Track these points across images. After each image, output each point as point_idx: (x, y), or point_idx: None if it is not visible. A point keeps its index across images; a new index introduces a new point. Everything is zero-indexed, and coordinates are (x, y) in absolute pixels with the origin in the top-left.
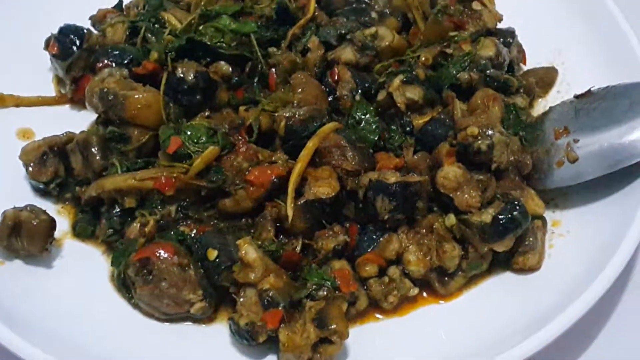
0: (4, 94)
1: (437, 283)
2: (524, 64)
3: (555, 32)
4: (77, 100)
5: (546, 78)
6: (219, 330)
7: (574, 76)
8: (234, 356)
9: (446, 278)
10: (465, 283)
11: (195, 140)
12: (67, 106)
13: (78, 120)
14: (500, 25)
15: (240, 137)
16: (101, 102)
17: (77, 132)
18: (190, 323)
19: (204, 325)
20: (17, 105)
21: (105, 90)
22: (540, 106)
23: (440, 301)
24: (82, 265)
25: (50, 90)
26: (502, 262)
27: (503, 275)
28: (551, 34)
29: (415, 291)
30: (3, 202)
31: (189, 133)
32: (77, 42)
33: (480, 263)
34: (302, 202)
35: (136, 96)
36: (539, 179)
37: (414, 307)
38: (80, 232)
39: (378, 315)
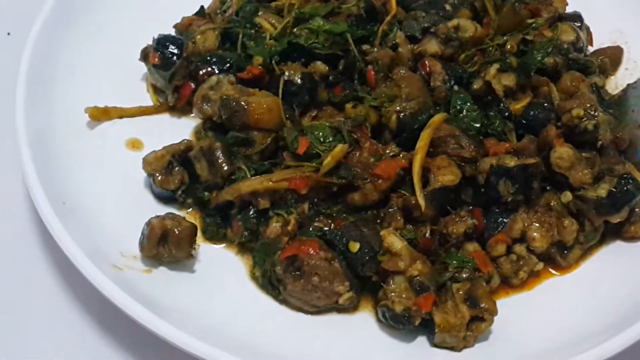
0: (108, 106)
1: (558, 256)
2: (591, 45)
3: (614, 13)
4: (177, 108)
5: (614, 57)
6: (365, 318)
7: (638, 54)
8: (387, 342)
9: (565, 251)
10: (582, 254)
11: (322, 140)
12: (166, 114)
13: (180, 128)
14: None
15: (362, 134)
16: (223, 109)
17: (181, 137)
18: (336, 313)
19: (348, 314)
20: (121, 117)
21: (225, 97)
22: (612, 84)
23: (556, 273)
24: (220, 266)
25: (147, 100)
26: (613, 232)
27: (614, 245)
28: (610, 15)
29: (540, 266)
30: (132, 212)
31: (314, 133)
32: (177, 52)
33: (595, 235)
34: (429, 190)
35: (259, 101)
36: (634, 153)
37: (539, 281)
38: (211, 235)
39: (507, 291)
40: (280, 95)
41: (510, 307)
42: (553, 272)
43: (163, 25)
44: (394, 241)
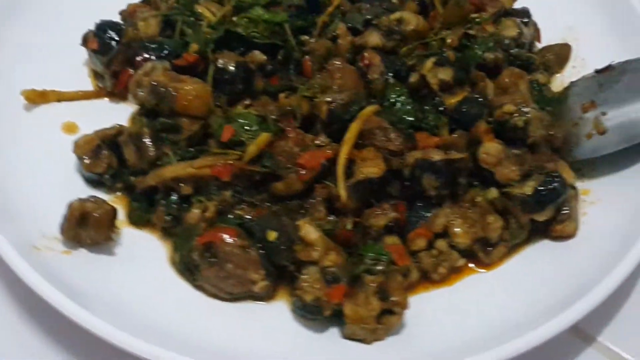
0: (46, 89)
1: (481, 253)
2: (539, 42)
3: (565, 9)
4: (116, 94)
5: (561, 54)
6: (280, 307)
7: (587, 51)
8: (296, 330)
9: (489, 248)
10: (506, 252)
11: (247, 128)
12: (105, 99)
13: (118, 113)
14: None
15: (288, 123)
16: (152, 95)
17: (118, 123)
18: (252, 301)
19: (264, 303)
20: (59, 100)
21: (155, 84)
22: (558, 81)
23: (481, 270)
24: (142, 251)
25: (88, 85)
26: (541, 230)
27: (541, 243)
28: (562, 11)
29: (462, 262)
30: (59, 194)
31: (240, 121)
32: (116, 37)
33: (520, 232)
34: (352, 182)
35: (187, 88)
36: (568, 151)
37: (460, 277)
38: (136, 219)
39: (427, 286)
40: (209, 83)
41: (428, 302)
42: (477, 268)
43: (110, 12)
44: (309, 231)
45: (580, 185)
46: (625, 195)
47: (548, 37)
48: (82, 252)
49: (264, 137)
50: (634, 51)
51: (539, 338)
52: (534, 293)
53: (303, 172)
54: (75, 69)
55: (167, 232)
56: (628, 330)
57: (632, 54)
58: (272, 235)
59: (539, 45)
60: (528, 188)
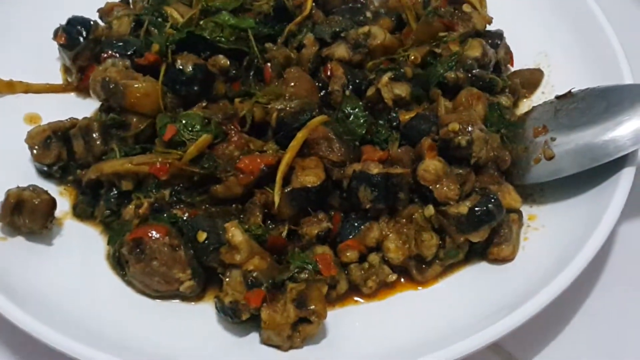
0: (13, 80)
1: (414, 270)
2: (512, 65)
3: (542, 36)
4: (82, 89)
5: (532, 79)
6: (206, 309)
7: (558, 78)
8: (220, 332)
9: (424, 266)
10: (442, 271)
11: (190, 129)
12: (73, 94)
13: (83, 108)
14: (490, 28)
15: (232, 127)
16: (103, 91)
17: (82, 118)
18: (179, 301)
19: (192, 303)
20: (26, 92)
21: (107, 79)
22: (525, 106)
23: (419, 287)
24: (81, 243)
25: (58, 79)
26: (478, 253)
27: (478, 265)
28: (540, 37)
29: (393, 277)
30: (9, 182)
31: (184, 122)
32: (84, 33)
33: (456, 252)
34: (289, 189)
35: (135, 85)
36: (517, 175)
37: (393, 292)
38: (80, 212)
39: (358, 299)
40: (160, 82)
41: (354, 315)
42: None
43: (91, 9)
44: (235, 234)
45: (527, 210)
46: (568, 222)
47: (523, 62)
48: (19, 240)
49: (204, 138)
50: (603, 80)
51: (456, 353)
52: (462, 311)
53: (241, 176)
54: (47, 63)
55: (107, 227)
56: (557, 357)
57: (603, 82)
58: (202, 236)
59: (511, 69)
60: (463, 207)
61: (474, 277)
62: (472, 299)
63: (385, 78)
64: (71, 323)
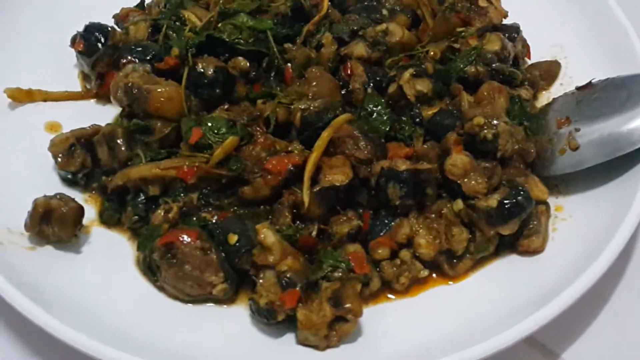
0: (32, 89)
1: (446, 265)
2: (529, 58)
3: (558, 28)
4: (102, 95)
5: (550, 71)
6: (240, 311)
7: (575, 70)
8: (255, 335)
9: (455, 260)
10: (472, 265)
11: (216, 131)
12: (92, 101)
13: (103, 114)
14: (505, 21)
15: (258, 128)
16: (126, 96)
17: (105, 125)
18: (213, 304)
19: (225, 306)
20: (45, 100)
21: (129, 84)
22: (544, 98)
23: (450, 282)
24: (109, 250)
25: (76, 86)
26: (508, 245)
27: (509, 258)
28: (554, 30)
29: (425, 273)
30: (34, 191)
31: (209, 124)
32: (102, 40)
33: (487, 246)
34: (317, 189)
35: (159, 90)
36: (542, 167)
37: (424, 288)
38: (107, 219)
39: (390, 296)
40: (183, 86)
41: (388, 312)
42: (443, 280)
43: (105, 15)
44: (267, 235)
45: (554, 201)
46: (595, 211)
47: (539, 54)
48: (48, 249)
49: (231, 140)
50: (621, 70)
51: (492, 347)
52: (495, 305)
53: (269, 177)
54: (65, 71)
55: (135, 233)
56: (592, 349)
57: (620, 73)
58: (233, 239)
59: (528, 62)
60: (493, 201)
61: (505, 270)
62: (504, 292)
63: (407, 74)
64: (104, 329)
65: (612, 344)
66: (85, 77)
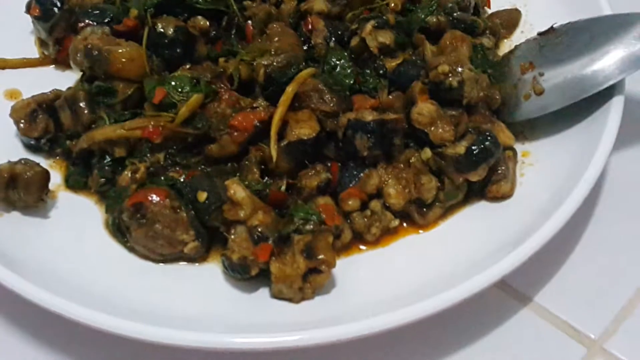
0: None
1: (416, 214)
2: (489, 7)
3: None
4: (60, 61)
5: (510, 19)
6: (212, 269)
7: (536, 17)
8: (229, 291)
9: (424, 209)
10: (443, 213)
11: (180, 90)
12: (51, 67)
13: (62, 80)
14: None
15: (222, 85)
16: (86, 59)
17: (66, 89)
18: (185, 263)
19: (197, 264)
20: (3, 68)
21: (89, 46)
22: (506, 46)
23: (420, 231)
24: (77, 214)
25: (34, 52)
26: (477, 192)
27: (478, 205)
28: None
29: (395, 222)
30: None
31: (172, 83)
32: (58, 4)
33: (456, 193)
34: (284, 143)
35: (120, 50)
36: (508, 113)
37: (395, 238)
38: (73, 183)
39: (362, 247)
40: (144, 44)
41: (361, 263)
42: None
43: None
44: (237, 190)
45: (520, 147)
46: (562, 155)
47: (498, 3)
48: (15, 215)
49: (196, 98)
50: (582, 15)
51: (464, 292)
52: (466, 251)
53: (236, 133)
54: (22, 37)
55: (102, 196)
56: (564, 291)
57: (581, 16)
58: (202, 196)
59: (489, 11)
60: (460, 148)
61: (475, 216)
62: (474, 239)
63: (369, 27)
64: (77, 291)
65: (582, 285)
66: (42, 43)
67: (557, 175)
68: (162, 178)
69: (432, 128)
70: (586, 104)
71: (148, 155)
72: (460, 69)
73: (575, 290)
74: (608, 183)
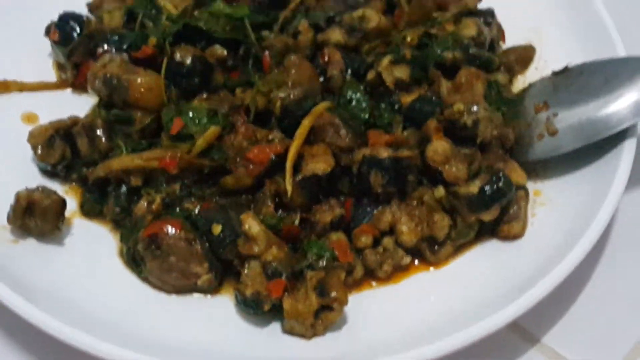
0: (7, 80)
1: (427, 252)
2: (503, 42)
3: (532, 11)
4: (78, 85)
5: (524, 55)
6: (225, 301)
7: (550, 54)
8: (240, 325)
9: (436, 247)
10: (454, 251)
11: (197, 121)
12: (68, 90)
13: (79, 104)
14: (480, 6)
15: (239, 117)
16: (105, 87)
17: (80, 115)
18: (197, 295)
19: (209, 296)
20: (21, 90)
21: (108, 75)
22: (520, 82)
23: (431, 268)
24: (92, 242)
25: (52, 76)
26: (489, 231)
27: (489, 243)
28: (528, 12)
29: (407, 259)
30: (13, 183)
31: (190, 114)
32: (77, 29)
33: (468, 232)
34: (299, 178)
35: (139, 80)
36: (521, 152)
37: (407, 274)
38: (88, 210)
39: (373, 283)
40: (163, 75)
41: (372, 300)
42: (425, 266)
43: (79, 3)
44: (252, 225)
45: (532, 186)
46: (574, 196)
47: (513, 38)
48: (31, 242)
49: (213, 130)
50: (595, 54)
51: (477, 333)
52: (477, 291)
53: (251, 166)
54: (40, 60)
55: (117, 224)
56: (571, 332)
57: (595, 55)
58: (217, 229)
59: (503, 46)
60: (474, 187)
61: (486, 255)
62: (485, 278)
63: (386, 61)
64: (90, 321)
65: (591, 327)
66: (60, 67)
67: (568, 216)
68: (177, 209)
69: (447, 166)
70: (599, 145)
71: (164, 185)
72: (475, 108)
73: (584, 331)
74: (618, 223)
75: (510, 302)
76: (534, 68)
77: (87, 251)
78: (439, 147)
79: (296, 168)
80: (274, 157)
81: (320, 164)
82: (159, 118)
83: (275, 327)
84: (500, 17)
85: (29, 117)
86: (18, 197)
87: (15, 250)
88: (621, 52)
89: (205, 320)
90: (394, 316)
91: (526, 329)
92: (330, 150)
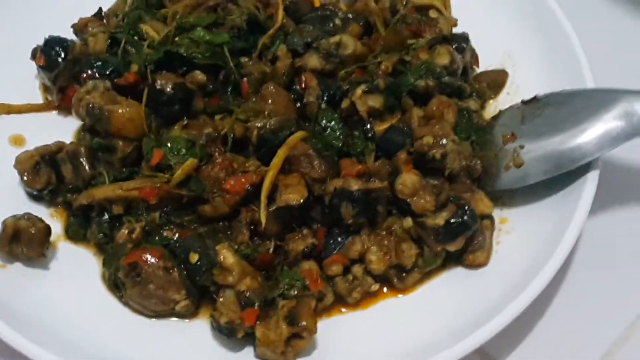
0: None
1: (395, 279)
2: (477, 66)
3: (504, 35)
4: (63, 107)
5: (497, 80)
6: (201, 325)
7: (522, 78)
8: (215, 348)
9: (404, 274)
10: (421, 278)
11: (176, 152)
12: (54, 112)
13: (65, 125)
14: (455, 30)
15: (216, 149)
16: (88, 116)
17: (65, 136)
18: (176, 319)
19: (187, 320)
20: (8, 113)
21: (90, 105)
22: (492, 107)
23: (399, 295)
24: (75, 266)
25: (38, 98)
26: (455, 259)
27: (456, 270)
28: (501, 37)
29: (376, 287)
30: (1, 204)
31: (169, 145)
32: (62, 54)
33: (434, 260)
34: (273, 208)
35: (120, 111)
36: (488, 182)
37: (375, 301)
38: (72, 235)
39: (343, 309)
40: (143, 104)
41: (342, 325)
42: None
43: (63, 25)
44: (227, 256)
45: (498, 213)
46: (538, 224)
47: (486, 61)
48: (17, 267)
49: (190, 162)
50: (567, 79)
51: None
52: (444, 317)
53: (228, 196)
54: (26, 82)
55: (100, 248)
56: (533, 356)
57: (566, 82)
58: (194, 258)
59: (477, 70)
60: (440, 219)
61: (452, 282)
62: (452, 304)
63: (359, 91)
64: (72, 346)
65: (553, 349)
66: (46, 89)
67: (533, 244)
68: (157, 237)
69: (415, 198)
70: (564, 175)
71: (144, 213)
72: (444, 142)
73: (545, 354)
74: (579, 251)
75: (476, 329)
76: (506, 93)
77: (71, 274)
78: (407, 180)
79: (271, 197)
80: (249, 188)
81: (293, 195)
82: (140, 147)
83: (249, 351)
84: (474, 40)
85: (16, 140)
86: (5, 225)
87: (3, 275)
88: (590, 80)
89: (183, 343)
90: (362, 342)
91: (488, 352)
92: (304, 181)
